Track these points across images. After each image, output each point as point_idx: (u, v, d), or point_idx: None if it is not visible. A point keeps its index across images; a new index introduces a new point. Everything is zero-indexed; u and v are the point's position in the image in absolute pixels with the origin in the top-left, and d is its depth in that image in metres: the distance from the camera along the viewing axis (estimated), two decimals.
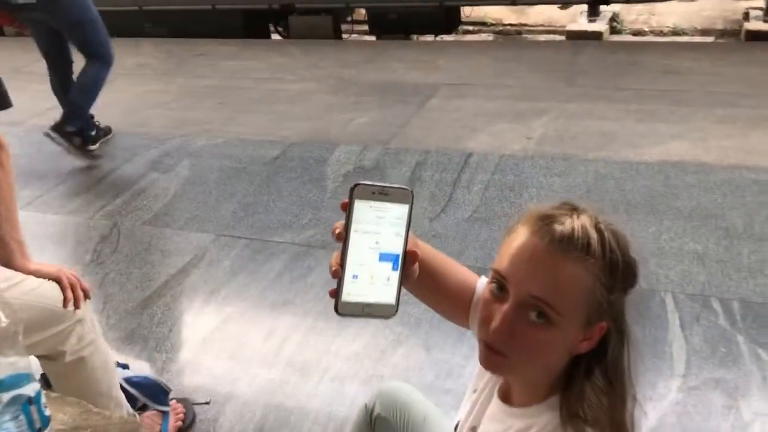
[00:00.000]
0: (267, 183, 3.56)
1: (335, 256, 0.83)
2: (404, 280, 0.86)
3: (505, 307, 0.91)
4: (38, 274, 1.58)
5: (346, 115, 4.33)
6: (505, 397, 1.05)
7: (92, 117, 4.01)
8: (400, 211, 0.83)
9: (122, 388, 1.90)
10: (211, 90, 4.99)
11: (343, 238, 0.81)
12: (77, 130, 3.84)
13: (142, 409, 2.00)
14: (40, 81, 5.56)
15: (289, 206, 3.31)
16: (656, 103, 4.09)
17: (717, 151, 3.46)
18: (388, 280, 0.84)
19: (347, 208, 0.81)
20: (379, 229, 0.83)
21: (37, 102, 4.99)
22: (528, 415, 0.98)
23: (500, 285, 0.93)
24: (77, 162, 3.88)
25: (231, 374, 2.28)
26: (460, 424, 1.15)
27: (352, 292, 0.83)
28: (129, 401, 1.90)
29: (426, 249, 1.11)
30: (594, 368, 0.95)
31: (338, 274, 0.82)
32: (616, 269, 0.91)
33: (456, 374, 2.16)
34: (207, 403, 2.14)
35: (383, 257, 0.83)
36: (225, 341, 2.46)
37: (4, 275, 1.51)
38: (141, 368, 2.21)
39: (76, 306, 1.63)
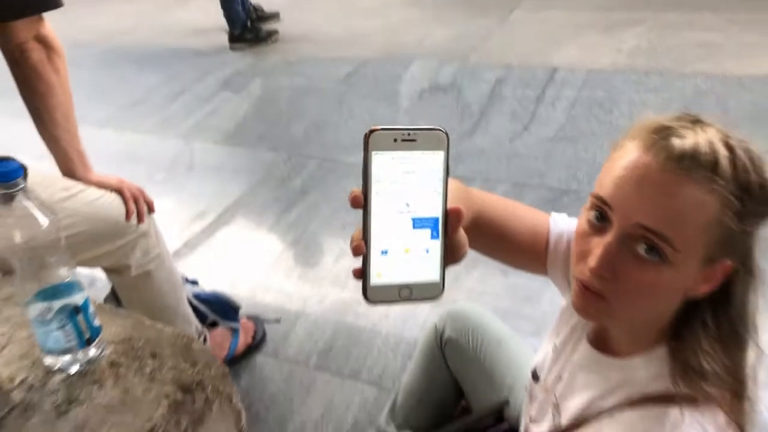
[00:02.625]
0: (339, 102, 3.44)
1: (357, 229, 0.64)
2: (450, 249, 0.66)
3: (608, 239, 0.75)
4: (100, 186, 1.53)
5: (423, 29, 4.12)
6: (600, 344, 0.90)
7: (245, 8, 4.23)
8: (434, 160, 0.63)
9: (191, 304, 1.87)
10: (282, 7, 4.85)
11: (363, 203, 0.62)
12: (242, 29, 4.16)
13: (212, 325, 1.98)
14: (120, 2, 5.60)
15: (361, 125, 3.18)
16: None
17: None
18: (428, 252, 0.64)
19: (363, 164, 0.62)
20: (408, 188, 0.63)
21: (115, 23, 5.01)
22: (630, 366, 0.84)
23: (602, 213, 0.77)
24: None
25: (301, 293, 2.24)
26: (541, 375, 1.02)
27: (383, 273, 0.63)
28: (198, 317, 1.88)
29: (483, 198, 0.95)
30: (712, 315, 0.79)
31: (362, 250, 0.63)
32: (749, 194, 0.73)
33: (535, 299, 2.04)
34: (278, 321, 2.11)
35: (418, 223, 0.64)
36: (296, 260, 2.41)
37: (63, 184, 1.47)
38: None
39: (140, 219, 1.58)
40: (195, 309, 1.90)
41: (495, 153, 2.85)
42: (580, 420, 0.84)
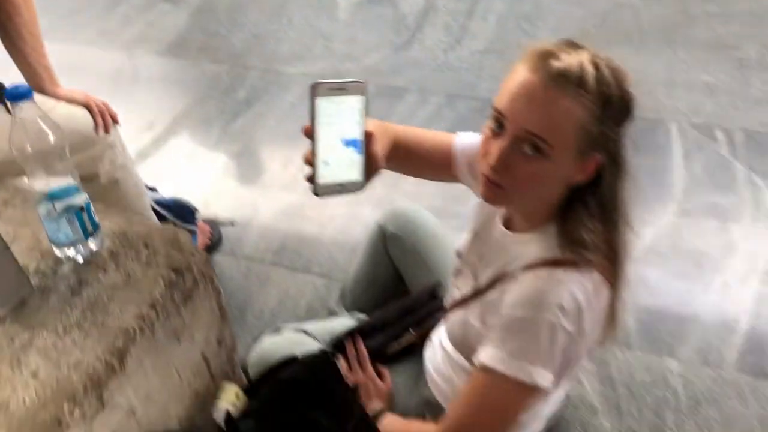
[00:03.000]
0: (278, 12, 3.51)
1: (307, 150, 0.92)
2: (367, 159, 0.95)
3: (503, 142, 0.96)
4: (68, 100, 1.66)
5: None
6: (508, 225, 1.15)
7: None
8: (357, 101, 0.91)
9: (152, 209, 2.03)
10: None
11: (311, 133, 0.90)
12: None
13: None
14: None
15: (301, 37, 3.29)
16: None
17: None
18: (354, 161, 0.93)
19: (310, 106, 0.89)
20: (341, 120, 0.91)
21: None
22: (529, 240, 1.07)
23: (499, 122, 0.98)
24: None
25: (253, 199, 2.42)
26: (464, 254, 1.27)
27: (325, 176, 0.92)
28: (159, 221, 2.05)
29: (398, 129, 1.19)
30: (591, 198, 1.01)
31: (310, 163, 0.91)
32: (610, 103, 0.94)
33: (463, 199, 2.26)
34: (232, 223, 2.30)
35: (347, 143, 0.92)
36: (245, 168, 2.58)
37: (35, 99, 1.58)
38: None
39: (106, 130, 1.72)
40: (156, 213, 2.06)
41: (429, 65, 3.02)
42: (493, 282, 1.09)
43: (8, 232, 1.21)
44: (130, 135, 2.68)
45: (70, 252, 1.12)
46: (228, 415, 1.17)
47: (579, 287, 0.99)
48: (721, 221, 2.12)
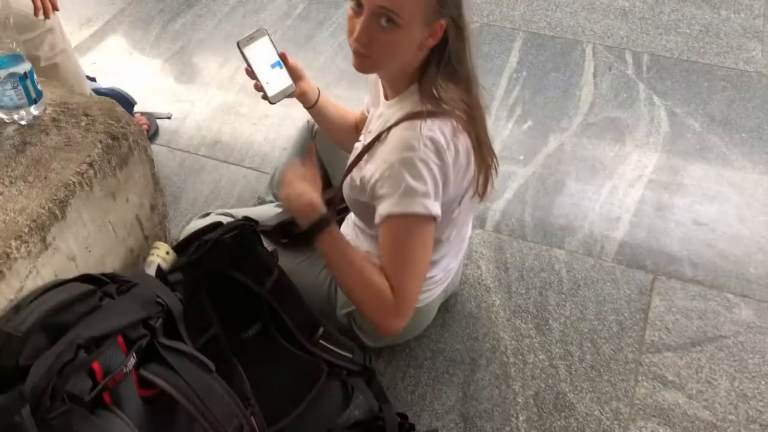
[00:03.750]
0: None
1: (255, 82, 1.40)
2: (292, 70, 1.44)
3: (363, 18, 1.15)
4: None
5: None
6: (385, 96, 1.36)
7: None
8: (266, 40, 1.39)
9: None
10: None
11: (251, 72, 1.38)
12: None
13: None
14: None
15: None
16: None
17: None
18: (282, 74, 1.43)
19: (241, 56, 1.36)
20: (264, 55, 1.39)
21: None
22: (397, 102, 1.28)
23: (357, 1, 1.16)
24: None
25: (189, 95, 2.52)
26: (362, 131, 1.48)
27: (271, 90, 1.41)
28: None
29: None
30: (441, 60, 1.22)
31: (260, 88, 1.39)
32: None
33: None
34: (168, 116, 2.40)
35: (273, 66, 1.40)
36: (183, 66, 2.66)
37: None
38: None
39: (46, 15, 1.79)
40: None
41: None
42: (372, 142, 1.28)
43: None
44: (67, 30, 2.73)
45: (14, 116, 1.24)
46: (158, 268, 1.33)
47: (437, 130, 1.19)
48: (618, 134, 2.35)
